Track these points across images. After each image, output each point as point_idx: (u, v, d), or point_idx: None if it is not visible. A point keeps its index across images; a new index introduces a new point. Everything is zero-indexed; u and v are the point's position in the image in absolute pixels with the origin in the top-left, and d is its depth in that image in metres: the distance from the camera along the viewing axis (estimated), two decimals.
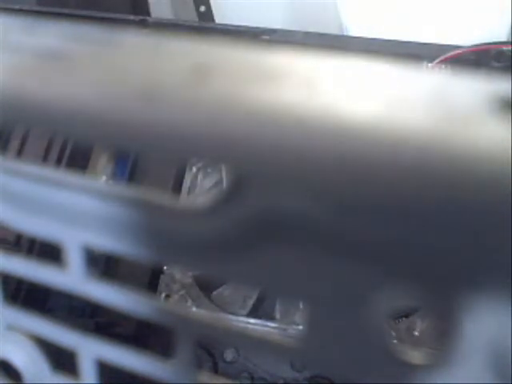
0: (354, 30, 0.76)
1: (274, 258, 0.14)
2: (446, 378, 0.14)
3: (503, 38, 0.68)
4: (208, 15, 0.75)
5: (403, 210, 0.12)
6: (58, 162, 0.54)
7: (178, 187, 0.51)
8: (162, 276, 0.46)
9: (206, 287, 0.45)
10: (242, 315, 0.44)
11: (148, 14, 0.75)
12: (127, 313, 0.17)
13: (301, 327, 0.15)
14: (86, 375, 0.19)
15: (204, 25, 0.66)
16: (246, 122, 0.13)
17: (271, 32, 0.54)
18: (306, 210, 0.13)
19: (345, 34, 0.76)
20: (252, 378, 0.44)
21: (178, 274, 0.46)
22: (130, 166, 0.53)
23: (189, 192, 0.50)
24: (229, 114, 0.13)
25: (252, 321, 0.44)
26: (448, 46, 0.47)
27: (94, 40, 0.17)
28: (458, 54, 0.44)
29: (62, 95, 0.15)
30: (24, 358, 0.21)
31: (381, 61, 0.15)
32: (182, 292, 0.46)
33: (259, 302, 0.45)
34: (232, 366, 0.44)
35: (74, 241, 0.17)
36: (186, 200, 0.45)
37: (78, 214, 0.17)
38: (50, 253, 0.19)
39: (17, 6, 0.60)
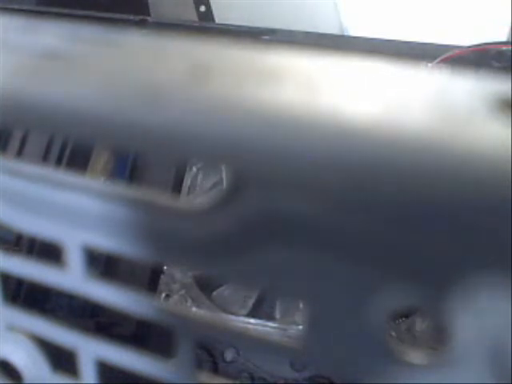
0: (354, 29, 0.76)
1: (273, 258, 0.14)
2: (446, 378, 0.14)
3: (503, 38, 0.68)
4: (208, 15, 0.75)
5: (403, 211, 0.12)
6: (58, 162, 0.54)
7: (178, 187, 0.51)
8: (162, 276, 0.46)
9: (206, 287, 0.45)
10: (242, 315, 0.44)
11: (148, 14, 0.74)
12: (127, 313, 0.17)
13: (301, 327, 0.15)
14: (86, 375, 0.19)
15: (204, 25, 0.66)
16: (245, 122, 0.13)
17: (271, 32, 0.54)
18: (305, 210, 0.13)
19: (345, 34, 0.76)
20: (252, 378, 0.44)
21: (177, 274, 0.46)
22: (130, 165, 0.53)
23: (189, 192, 0.50)
24: (229, 114, 0.13)
25: (252, 321, 0.44)
26: (448, 45, 0.47)
27: (94, 40, 0.17)
28: (458, 54, 0.44)
29: (62, 95, 0.15)
30: (24, 357, 0.21)
31: (381, 61, 0.15)
32: (182, 292, 0.46)
33: (259, 302, 0.45)
34: (232, 365, 0.44)
35: (74, 241, 0.17)
36: (185, 200, 0.45)
37: (77, 214, 0.17)
38: (50, 253, 0.19)
39: (17, 6, 0.60)
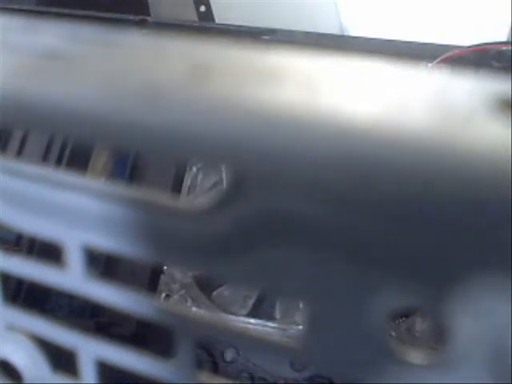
0: (354, 29, 0.76)
1: (273, 258, 0.14)
2: (446, 378, 0.14)
3: (503, 38, 0.68)
4: (208, 15, 0.75)
5: (403, 210, 0.12)
6: (58, 162, 0.54)
7: (178, 187, 0.51)
8: (162, 276, 0.46)
9: (206, 287, 0.45)
10: (242, 315, 0.44)
11: (148, 13, 0.74)
12: (127, 313, 0.17)
13: (301, 327, 0.15)
14: (86, 375, 0.19)
15: (204, 25, 0.66)
16: (245, 122, 0.13)
17: (271, 32, 0.54)
18: (305, 210, 0.13)
19: (345, 34, 0.76)
20: (252, 378, 0.44)
21: (177, 274, 0.46)
22: (130, 165, 0.53)
23: (189, 192, 0.50)
24: (228, 114, 0.13)
25: (252, 321, 0.44)
26: (448, 45, 0.47)
27: (94, 40, 0.17)
28: (458, 54, 0.44)
29: (62, 95, 0.15)
30: (24, 357, 0.21)
31: (381, 61, 0.15)
32: (182, 292, 0.46)
33: (259, 302, 0.45)
34: (232, 365, 0.44)
35: (74, 241, 0.17)
36: (185, 200, 0.45)
37: (77, 214, 0.17)
38: (50, 253, 0.19)
39: (17, 6, 0.60)
